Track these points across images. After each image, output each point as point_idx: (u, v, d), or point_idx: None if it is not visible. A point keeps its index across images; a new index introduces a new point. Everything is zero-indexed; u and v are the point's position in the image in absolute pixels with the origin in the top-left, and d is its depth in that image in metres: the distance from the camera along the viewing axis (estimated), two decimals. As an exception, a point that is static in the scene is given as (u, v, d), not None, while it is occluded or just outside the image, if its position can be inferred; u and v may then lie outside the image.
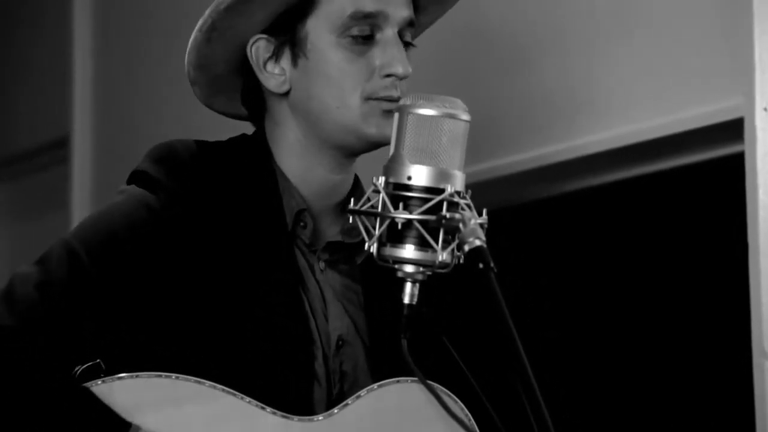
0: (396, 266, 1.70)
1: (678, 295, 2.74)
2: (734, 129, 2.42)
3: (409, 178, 1.70)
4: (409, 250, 1.69)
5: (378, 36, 1.81)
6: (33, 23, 4.48)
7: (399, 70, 1.81)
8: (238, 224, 1.79)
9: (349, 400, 1.75)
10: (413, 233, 1.69)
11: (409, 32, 1.84)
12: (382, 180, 1.71)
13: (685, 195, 2.71)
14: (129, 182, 1.83)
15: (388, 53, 1.81)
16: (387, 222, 1.69)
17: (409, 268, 1.70)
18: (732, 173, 2.45)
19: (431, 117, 1.70)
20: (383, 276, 1.87)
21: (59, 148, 4.32)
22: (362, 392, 1.75)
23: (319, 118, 1.83)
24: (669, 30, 2.54)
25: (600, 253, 2.87)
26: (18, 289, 1.71)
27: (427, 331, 1.74)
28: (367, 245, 1.70)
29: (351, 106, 1.81)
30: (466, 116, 1.71)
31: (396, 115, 1.71)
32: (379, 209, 1.70)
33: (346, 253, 1.88)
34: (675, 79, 2.53)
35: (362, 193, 1.90)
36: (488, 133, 2.83)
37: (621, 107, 2.63)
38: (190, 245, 1.76)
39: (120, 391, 1.68)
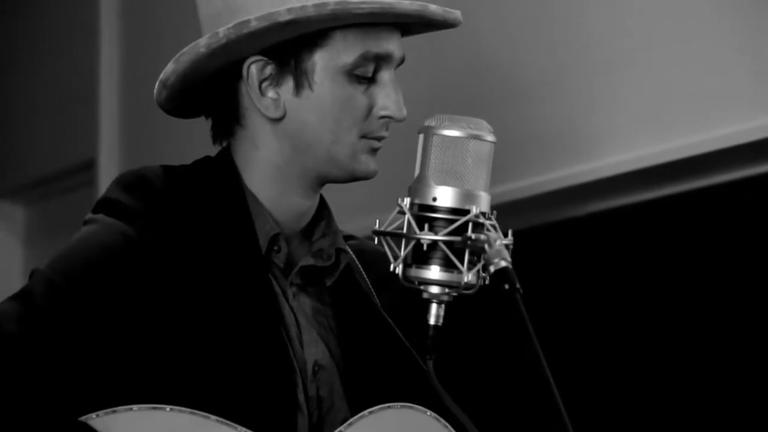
0: (421, 287, 1.70)
1: (708, 313, 2.73)
2: (764, 149, 2.42)
3: (435, 199, 1.69)
4: (434, 271, 1.69)
5: (378, 75, 1.81)
6: (60, 48, 4.51)
7: (397, 114, 1.82)
8: (212, 250, 1.78)
9: (342, 428, 1.74)
10: (439, 254, 1.68)
11: (395, 71, 1.85)
12: (407, 201, 1.70)
13: (716, 214, 2.70)
14: (97, 210, 1.80)
15: (390, 96, 1.81)
16: (412, 243, 1.69)
17: (434, 289, 1.69)
18: (762, 193, 2.44)
19: (456, 138, 1.70)
20: (352, 298, 1.87)
21: (86, 170, 4.34)
22: (353, 419, 1.74)
23: (310, 148, 1.81)
24: (697, 51, 2.54)
25: (627, 273, 2.86)
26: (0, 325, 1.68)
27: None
28: (392, 266, 1.70)
29: (345, 143, 1.81)
30: (491, 137, 1.71)
31: (421, 137, 1.71)
32: (405, 230, 1.69)
33: (316, 276, 1.87)
34: (705, 100, 2.53)
35: (329, 214, 1.90)
36: (514, 154, 2.83)
37: (650, 128, 2.63)
38: (167, 272, 1.74)
39: (116, 425, 1.66)
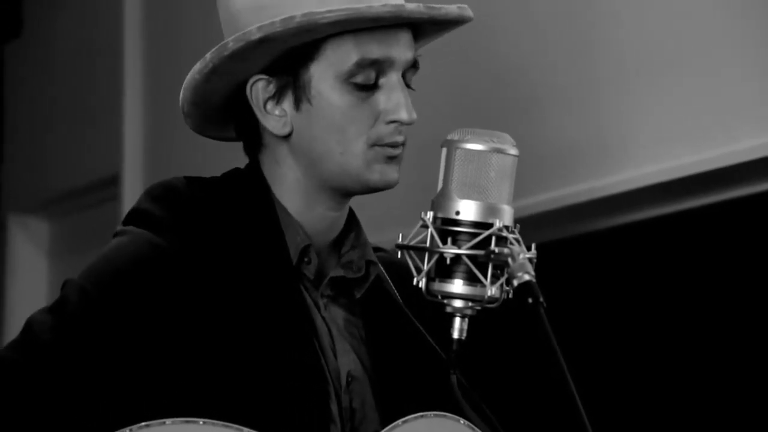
0: (445, 301, 1.70)
1: (734, 327, 2.72)
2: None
3: (458, 212, 1.69)
4: (457, 285, 1.69)
5: (382, 80, 1.79)
6: (85, 63, 4.53)
7: (404, 116, 1.79)
8: (243, 262, 1.78)
9: None
10: (462, 268, 1.68)
11: (411, 74, 1.82)
12: (430, 215, 1.70)
13: (743, 226, 2.69)
14: (127, 221, 1.81)
15: (393, 99, 1.79)
16: (435, 257, 1.69)
17: (458, 303, 1.69)
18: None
19: (479, 152, 1.69)
20: (383, 309, 1.87)
21: (110, 185, 4.36)
22: (385, 430, 1.74)
23: (321, 161, 1.81)
24: (724, 63, 2.54)
25: (653, 287, 2.85)
26: (35, 335, 1.70)
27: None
28: (415, 280, 1.70)
29: (355, 153, 1.80)
30: (514, 150, 1.71)
31: (444, 150, 1.71)
32: (428, 244, 1.69)
33: (345, 287, 1.87)
34: (731, 112, 2.53)
35: (358, 226, 1.90)
36: (538, 167, 2.82)
37: (675, 140, 2.62)
38: (198, 283, 1.75)
39: None
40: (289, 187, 1.84)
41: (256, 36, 1.76)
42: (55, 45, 4.69)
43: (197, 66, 1.82)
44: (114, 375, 1.71)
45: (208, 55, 1.80)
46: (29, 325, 1.72)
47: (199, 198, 1.81)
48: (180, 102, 1.87)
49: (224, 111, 1.87)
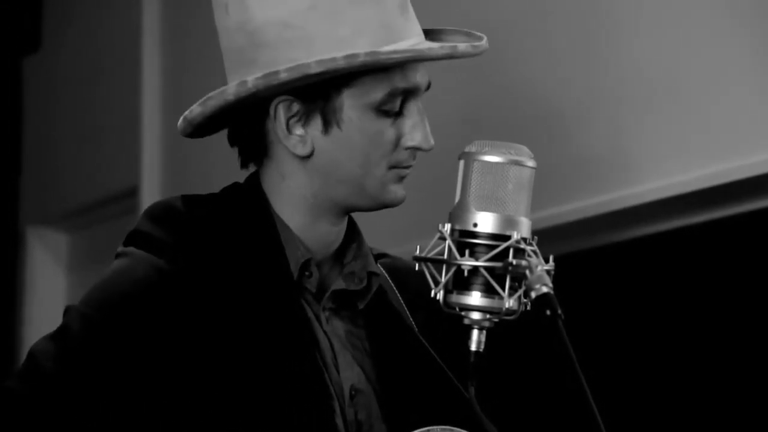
0: (462, 313, 1.70)
1: (753, 339, 2.71)
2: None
3: (475, 225, 1.69)
4: (475, 297, 1.69)
5: (404, 107, 1.82)
6: (103, 76, 4.55)
7: (425, 145, 1.82)
8: (244, 278, 1.78)
9: None
10: (480, 280, 1.68)
11: (422, 94, 1.85)
12: (447, 227, 1.71)
13: (760, 239, 2.69)
14: (128, 243, 1.82)
15: (416, 126, 1.82)
16: (453, 269, 1.69)
17: (475, 315, 1.70)
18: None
19: (497, 164, 1.70)
20: (386, 320, 1.88)
21: (128, 198, 4.37)
22: None
23: (339, 182, 1.82)
24: (740, 77, 2.54)
25: (670, 299, 2.85)
26: (38, 365, 1.71)
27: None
28: (433, 292, 1.70)
29: (375, 175, 1.82)
30: (531, 162, 1.71)
31: (461, 162, 1.72)
32: (445, 256, 1.69)
33: (348, 299, 1.87)
34: (748, 125, 2.53)
35: (359, 236, 1.90)
36: (555, 179, 2.82)
37: (693, 152, 2.62)
38: (200, 302, 1.75)
39: None
40: (292, 202, 1.85)
41: (316, 70, 1.76)
42: (74, 58, 4.71)
43: (233, 88, 1.80)
44: (119, 401, 1.71)
45: (250, 81, 1.79)
46: (32, 354, 1.73)
47: (199, 217, 1.82)
48: (192, 112, 1.84)
49: (224, 119, 1.86)
